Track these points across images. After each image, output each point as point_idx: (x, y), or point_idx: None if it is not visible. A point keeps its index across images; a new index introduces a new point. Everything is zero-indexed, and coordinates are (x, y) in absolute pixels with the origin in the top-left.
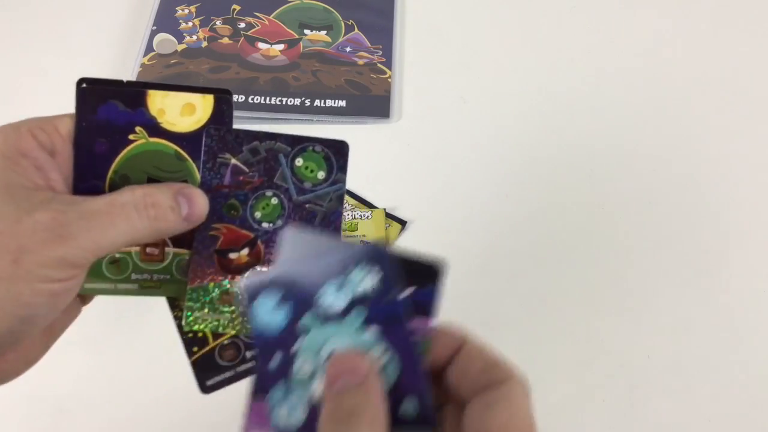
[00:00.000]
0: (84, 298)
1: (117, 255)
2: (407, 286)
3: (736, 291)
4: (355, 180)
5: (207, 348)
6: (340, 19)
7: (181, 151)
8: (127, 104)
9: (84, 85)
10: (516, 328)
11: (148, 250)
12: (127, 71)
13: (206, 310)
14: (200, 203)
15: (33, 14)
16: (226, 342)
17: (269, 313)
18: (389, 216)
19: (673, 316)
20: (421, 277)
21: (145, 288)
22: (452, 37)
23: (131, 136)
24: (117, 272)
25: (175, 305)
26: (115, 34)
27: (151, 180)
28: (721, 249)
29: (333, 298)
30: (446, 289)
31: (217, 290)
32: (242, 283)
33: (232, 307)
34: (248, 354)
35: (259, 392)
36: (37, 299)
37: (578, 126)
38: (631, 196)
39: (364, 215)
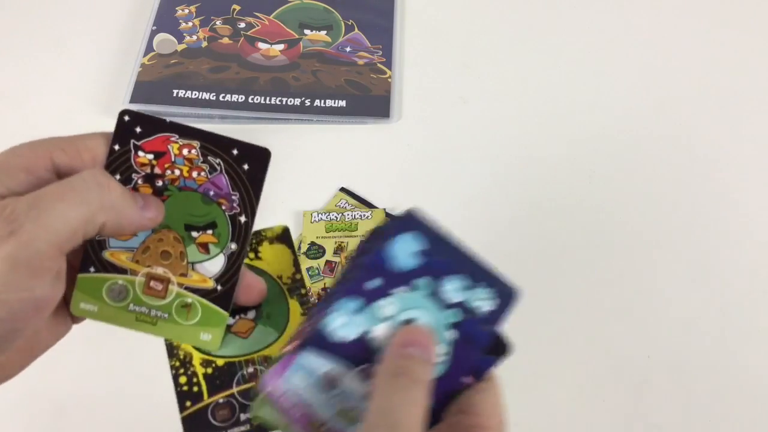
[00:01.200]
0: (75, 317)
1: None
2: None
3: (736, 291)
4: (355, 180)
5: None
6: (340, 19)
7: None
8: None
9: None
10: (516, 328)
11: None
12: (127, 71)
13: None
14: (153, 201)
15: (33, 14)
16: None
17: (403, 252)
18: (389, 216)
19: (673, 316)
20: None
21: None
22: (452, 37)
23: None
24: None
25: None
26: (115, 34)
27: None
28: (721, 249)
29: (450, 289)
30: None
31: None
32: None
33: None
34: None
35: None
36: None
37: (578, 126)
38: (631, 196)
39: (364, 215)
